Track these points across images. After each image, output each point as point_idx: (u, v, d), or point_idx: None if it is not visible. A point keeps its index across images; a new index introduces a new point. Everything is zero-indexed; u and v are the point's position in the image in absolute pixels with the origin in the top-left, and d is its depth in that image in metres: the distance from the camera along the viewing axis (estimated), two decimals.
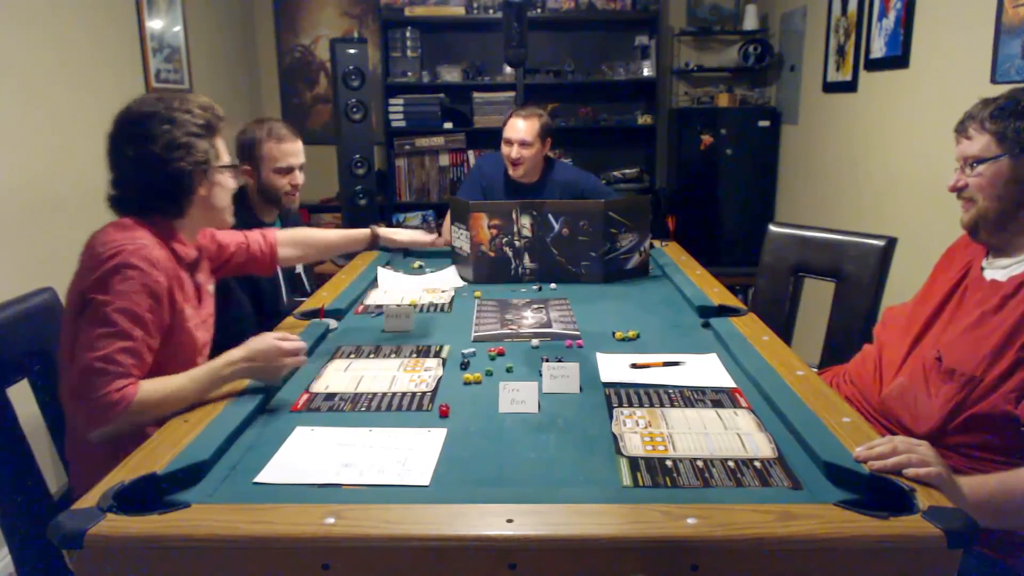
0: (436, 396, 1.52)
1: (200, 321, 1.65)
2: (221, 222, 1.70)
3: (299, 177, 2.40)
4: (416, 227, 4.96)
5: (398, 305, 2.19)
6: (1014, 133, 1.40)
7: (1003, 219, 1.45)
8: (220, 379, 1.48)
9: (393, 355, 1.76)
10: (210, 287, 1.76)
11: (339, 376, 1.63)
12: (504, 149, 2.93)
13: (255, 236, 2.00)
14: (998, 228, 1.46)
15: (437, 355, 1.75)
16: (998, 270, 1.46)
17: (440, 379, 1.61)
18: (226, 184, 1.65)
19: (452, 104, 4.93)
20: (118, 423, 1.38)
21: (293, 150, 2.37)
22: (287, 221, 2.53)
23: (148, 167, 1.51)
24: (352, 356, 1.76)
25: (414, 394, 1.52)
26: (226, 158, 1.64)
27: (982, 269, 1.50)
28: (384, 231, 2.26)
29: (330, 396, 1.52)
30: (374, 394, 1.53)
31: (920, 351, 1.53)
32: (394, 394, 1.53)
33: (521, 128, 2.87)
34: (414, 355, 1.76)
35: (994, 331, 1.38)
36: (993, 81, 2.54)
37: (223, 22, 4.42)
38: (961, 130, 1.50)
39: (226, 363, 1.48)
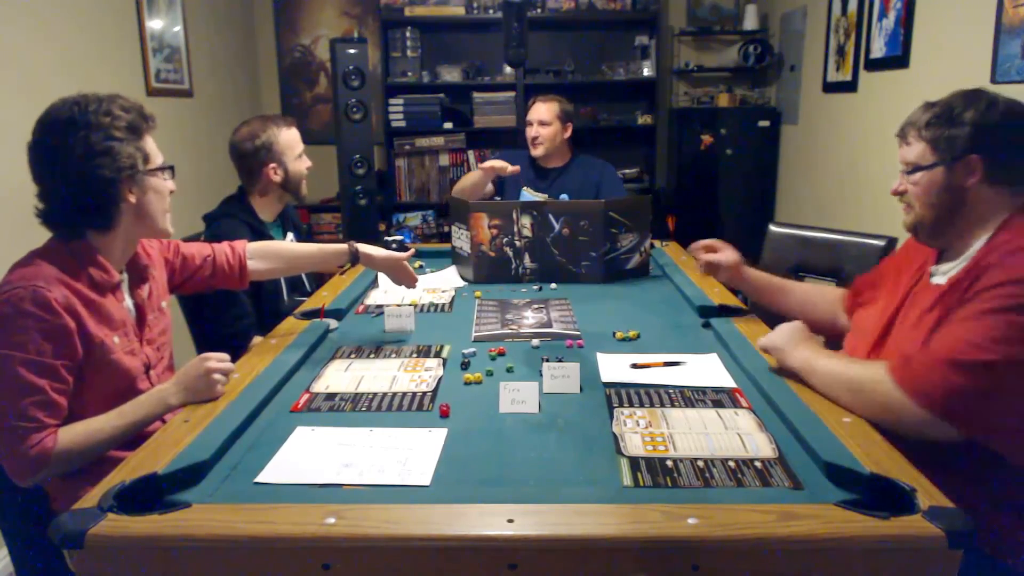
0: (436, 396, 1.52)
1: (138, 345, 1.57)
2: (158, 231, 1.57)
3: (307, 160, 2.45)
4: (415, 227, 4.96)
5: (398, 305, 2.19)
6: (946, 142, 1.41)
7: (939, 225, 1.46)
8: (149, 414, 1.46)
9: (393, 355, 1.76)
10: (163, 304, 1.70)
11: (339, 376, 1.63)
12: (527, 131, 3.10)
13: (222, 248, 1.91)
14: (936, 234, 1.48)
15: (437, 355, 1.75)
16: (941, 276, 1.48)
17: (440, 379, 1.61)
18: (161, 188, 1.53)
19: (452, 104, 4.93)
20: (46, 473, 1.38)
21: (299, 134, 2.44)
22: (286, 220, 2.53)
23: (68, 178, 1.41)
24: (352, 356, 1.76)
25: (414, 394, 1.52)
26: (158, 160, 1.53)
27: (931, 276, 1.51)
28: (364, 248, 2.03)
29: (331, 396, 1.52)
30: (374, 394, 1.53)
31: (878, 358, 1.54)
32: (394, 394, 1.52)
33: (540, 109, 3.05)
34: (414, 355, 1.76)
35: (926, 328, 1.39)
36: (993, 81, 2.54)
37: (223, 22, 4.42)
38: (902, 135, 1.51)
39: (156, 397, 1.46)
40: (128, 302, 1.59)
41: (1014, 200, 1.40)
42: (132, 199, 1.48)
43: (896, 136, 1.53)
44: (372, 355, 1.76)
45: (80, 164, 1.41)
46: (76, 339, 1.41)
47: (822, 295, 1.96)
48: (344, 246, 2.03)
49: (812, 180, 4.18)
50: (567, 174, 3.09)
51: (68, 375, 1.41)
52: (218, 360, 1.49)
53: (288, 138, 2.37)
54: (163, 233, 1.59)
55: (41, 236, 1.52)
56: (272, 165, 2.34)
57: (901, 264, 1.66)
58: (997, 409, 1.26)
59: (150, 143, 1.52)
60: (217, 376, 1.48)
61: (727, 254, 2.03)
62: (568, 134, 3.09)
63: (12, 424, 1.34)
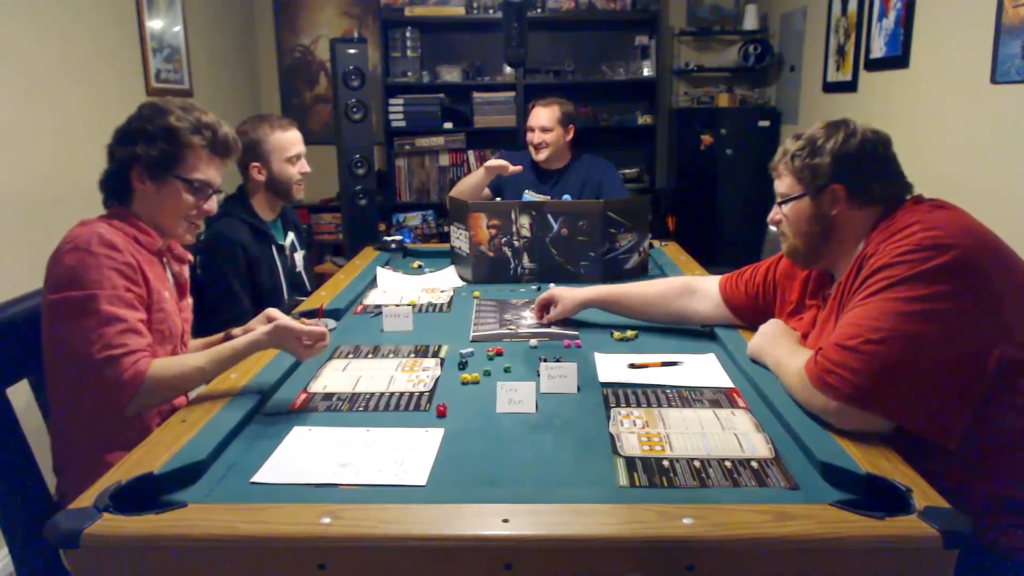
0: (434, 396, 1.52)
1: (177, 308, 1.68)
2: (168, 230, 1.64)
3: (306, 165, 2.44)
4: (415, 226, 4.96)
5: (397, 305, 2.19)
6: (810, 173, 1.46)
7: (812, 251, 1.52)
8: (238, 353, 1.52)
9: (391, 355, 1.76)
10: (188, 300, 1.78)
11: (337, 376, 1.63)
12: (528, 137, 3.08)
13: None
14: (811, 259, 1.55)
15: (435, 355, 1.75)
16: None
17: (438, 379, 1.61)
18: (181, 197, 1.60)
19: (452, 104, 4.93)
20: (141, 402, 1.44)
21: (298, 138, 2.43)
22: (287, 220, 2.53)
23: (110, 149, 1.59)
24: (350, 356, 1.76)
25: (412, 394, 1.52)
26: (195, 175, 1.61)
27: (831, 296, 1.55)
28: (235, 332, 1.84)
29: (328, 396, 1.52)
30: (372, 394, 1.53)
31: None
32: (392, 394, 1.53)
33: (541, 115, 3.03)
34: (412, 355, 1.76)
35: (830, 330, 1.42)
36: (993, 81, 2.54)
37: (223, 22, 4.42)
38: (774, 167, 1.56)
39: (249, 340, 1.52)
40: (169, 273, 1.69)
41: (882, 213, 1.45)
42: (142, 186, 1.59)
43: (770, 170, 1.58)
44: (370, 355, 1.76)
45: (116, 139, 1.59)
46: (140, 278, 1.52)
47: (672, 290, 1.92)
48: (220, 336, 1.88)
49: None
50: (568, 175, 3.08)
51: (142, 307, 1.51)
52: (312, 337, 1.53)
53: (279, 140, 2.36)
54: (172, 235, 1.67)
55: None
56: (255, 164, 2.34)
57: (788, 272, 1.71)
58: (902, 388, 1.25)
59: (195, 156, 1.60)
60: (306, 352, 1.53)
61: (558, 297, 2.00)
62: (570, 136, 3.07)
63: (105, 355, 1.41)
